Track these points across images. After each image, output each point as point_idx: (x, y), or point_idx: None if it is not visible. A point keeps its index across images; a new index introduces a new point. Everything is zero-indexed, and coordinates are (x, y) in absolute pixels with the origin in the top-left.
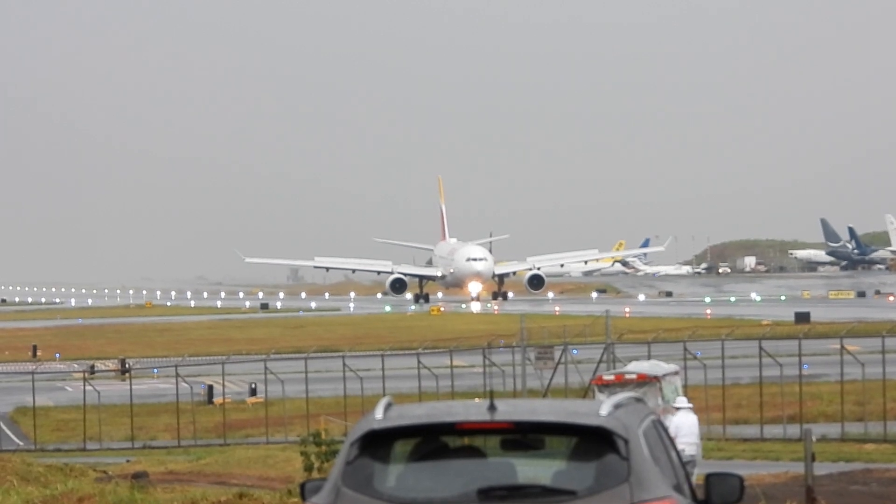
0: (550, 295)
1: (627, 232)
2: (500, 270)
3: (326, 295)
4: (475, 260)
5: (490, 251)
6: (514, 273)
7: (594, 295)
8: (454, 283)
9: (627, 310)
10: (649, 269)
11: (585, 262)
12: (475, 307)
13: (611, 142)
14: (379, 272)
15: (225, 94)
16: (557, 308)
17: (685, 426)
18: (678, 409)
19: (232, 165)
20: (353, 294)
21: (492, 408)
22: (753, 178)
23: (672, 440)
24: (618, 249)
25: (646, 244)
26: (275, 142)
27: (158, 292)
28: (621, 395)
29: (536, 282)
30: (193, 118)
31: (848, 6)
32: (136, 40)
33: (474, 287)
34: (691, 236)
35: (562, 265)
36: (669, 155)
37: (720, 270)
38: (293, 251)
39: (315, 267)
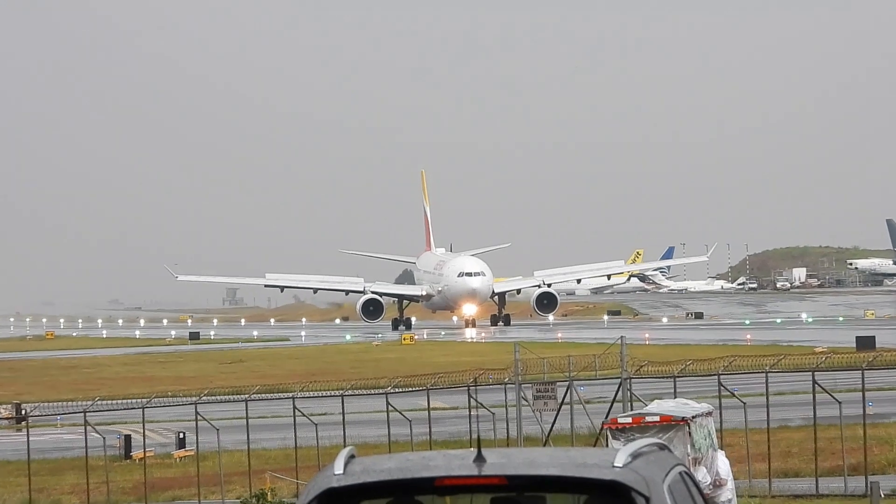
0: (551, 318)
1: (645, 240)
2: (500, 288)
3: (272, 321)
4: (470, 275)
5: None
6: (519, 291)
7: (606, 317)
8: (443, 305)
9: (647, 336)
10: (673, 285)
11: (609, 277)
12: (470, 334)
13: (626, 133)
14: (347, 292)
15: None
16: (560, 334)
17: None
18: None
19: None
20: (304, 320)
21: (479, 459)
22: (800, 173)
23: (704, 496)
24: (634, 261)
25: (669, 254)
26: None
27: (62, 320)
28: (641, 442)
29: (547, 301)
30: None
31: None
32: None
33: (469, 309)
34: (726, 244)
35: (578, 281)
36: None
37: (779, 285)
38: (232, 268)
39: (266, 286)
